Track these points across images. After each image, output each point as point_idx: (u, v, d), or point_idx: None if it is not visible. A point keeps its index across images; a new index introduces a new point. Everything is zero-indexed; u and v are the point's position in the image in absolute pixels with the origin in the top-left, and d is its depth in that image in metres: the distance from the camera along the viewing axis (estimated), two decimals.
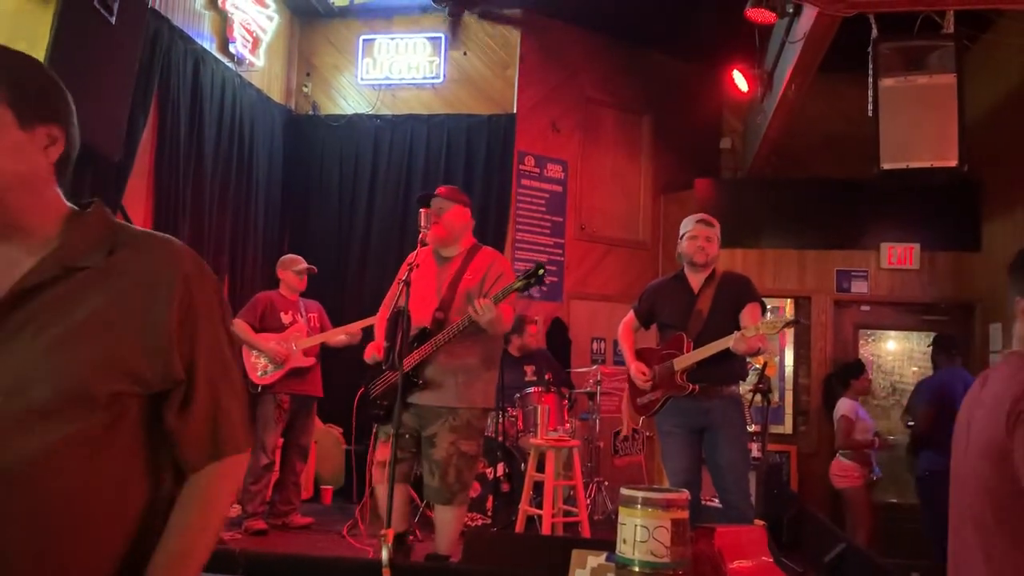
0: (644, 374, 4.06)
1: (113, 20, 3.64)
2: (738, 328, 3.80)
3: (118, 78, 3.88)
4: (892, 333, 7.28)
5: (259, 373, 5.28)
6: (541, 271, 3.55)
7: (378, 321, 4.05)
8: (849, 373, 5.96)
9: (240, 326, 5.32)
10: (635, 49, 7.91)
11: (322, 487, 6.53)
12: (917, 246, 6.97)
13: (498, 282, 3.67)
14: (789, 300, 7.17)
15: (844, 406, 5.77)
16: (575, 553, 2.78)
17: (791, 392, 7.08)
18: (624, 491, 2.24)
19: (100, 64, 3.71)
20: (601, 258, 7.74)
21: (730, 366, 3.92)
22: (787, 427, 7.04)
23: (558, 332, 7.26)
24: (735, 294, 4.02)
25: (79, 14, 3.46)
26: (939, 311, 6.95)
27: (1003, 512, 1.75)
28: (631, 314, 4.35)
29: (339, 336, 5.45)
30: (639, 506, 2.21)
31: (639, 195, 8.06)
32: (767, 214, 7.33)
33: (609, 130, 7.93)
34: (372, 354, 3.91)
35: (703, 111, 8.44)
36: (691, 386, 3.89)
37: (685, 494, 2.23)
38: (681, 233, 4.18)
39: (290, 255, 5.72)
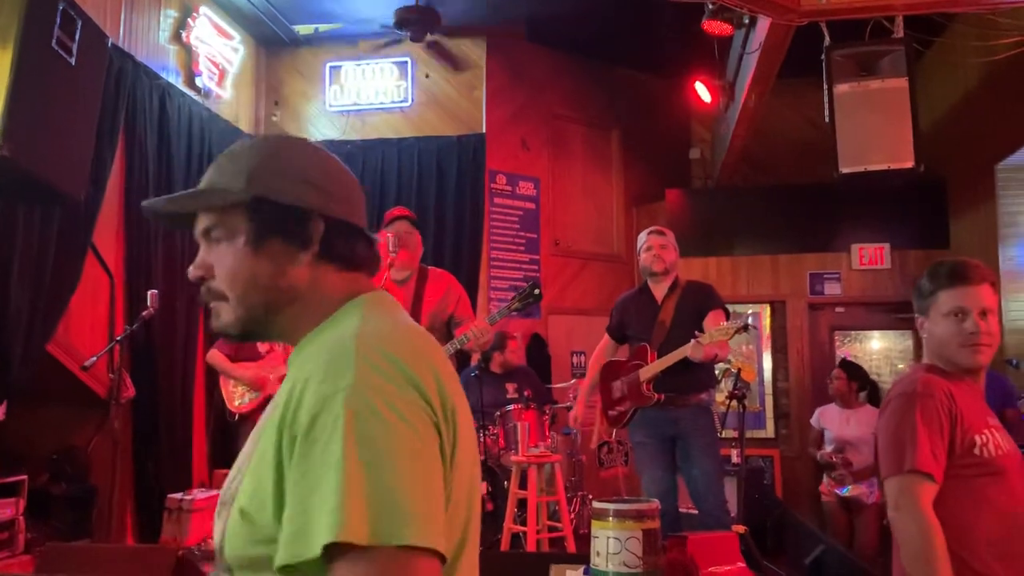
0: (576, 419, 4.45)
1: (73, 61, 3.65)
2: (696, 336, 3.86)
3: (81, 117, 3.89)
4: (867, 333, 7.36)
5: (236, 402, 5.28)
6: (537, 290, 3.59)
7: None
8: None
9: (215, 355, 5.32)
10: (599, 65, 8.00)
11: None
12: (887, 246, 7.07)
13: (459, 305, 3.70)
14: (765, 305, 7.26)
15: (815, 412, 5.67)
16: (553, 568, 2.80)
17: (771, 397, 7.14)
18: (596, 504, 2.27)
19: (62, 104, 3.72)
20: (577, 272, 7.79)
21: (696, 374, 3.97)
22: (769, 431, 7.09)
23: (537, 348, 7.28)
24: (697, 303, 4.08)
25: (38, 56, 3.47)
26: (912, 310, 7.04)
27: None
28: (605, 338, 4.44)
29: None
30: (611, 518, 2.24)
31: (611, 208, 8.13)
32: (738, 221, 7.41)
33: (578, 145, 8.00)
34: None
35: (671, 123, 8.54)
36: (656, 396, 3.93)
37: (656, 504, 2.27)
38: (637, 248, 4.27)
39: None
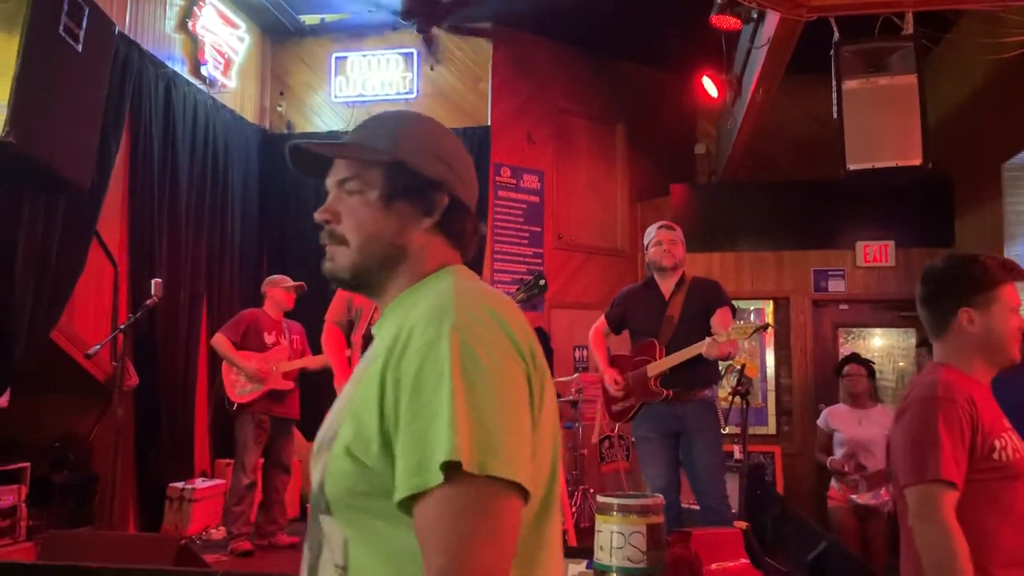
0: (617, 382, 4.10)
1: (79, 48, 3.64)
2: (708, 333, 3.84)
3: (87, 104, 3.88)
4: (871, 331, 7.35)
5: (237, 391, 5.26)
6: (542, 281, 3.57)
7: (330, 340, 4.00)
8: (836, 372, 5.51)
9: (221, 341, 5.30)
10: (605, 59, 7.97)
11: (308, 506, 6.50)
12: (892, 243, 7.04)
13: None
14: (768, 302, 7.24)
15: (822, 413, 5.35)
16: None
17: (773, 393, 7.13)
18: (600, 498, 2.27)
19: (68, 91, 3.71)
20: (580, 267, 7.78)
21: (703, 370, 3.96)
22: (771, 428, 7.09)
23: (540, 341, 7.25)
24: (705, 299, 4.07)
25: (45, 43, 3.46)
26: (916, 307, 6.99)
27: (903, 500, 1.96)
28: (602, 320, 4.38)
29: (320, 363, 5.40)
30: (615, 513, 2.24)
31: (616, 203, 8.11)
32: (743, 217, 7.39)
33: (583, 140, 7.98)
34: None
35: (676, 118, 8.52)
36: (665, 392, 3.93)
37: (660, 499, 2.26)
38: (646, 242, 4.24)
39: (277, 275, 5.72)
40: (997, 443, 1.91)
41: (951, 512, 1.83)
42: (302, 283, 5.63)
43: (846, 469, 4.84)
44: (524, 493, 0.96)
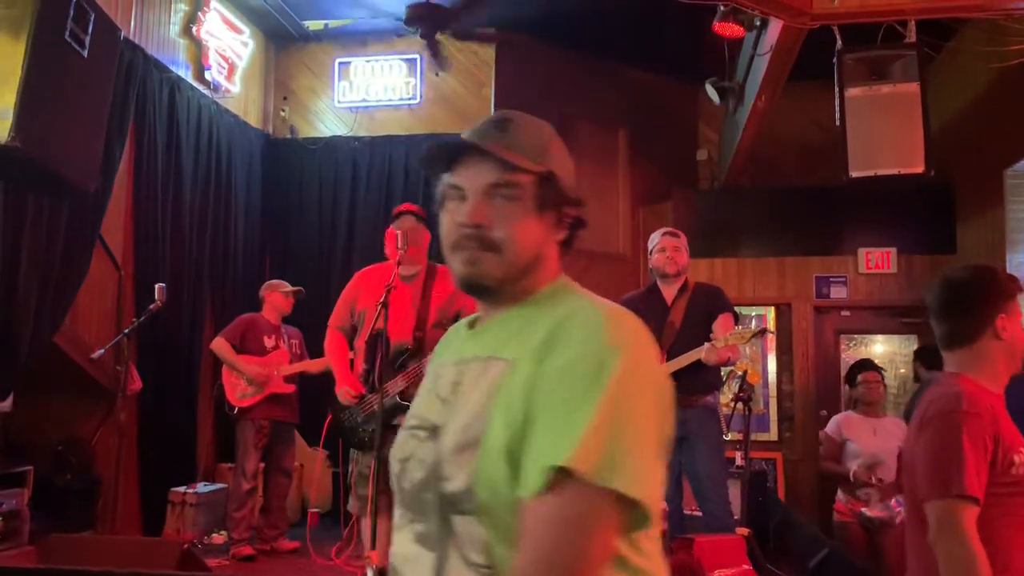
0: None
1: (85, 53, 3.66)
2: (710, 339, 3.85)
3: (92, 109, 3.90)
4: (872, 337, 7.35)
5: (238, 395, 5.27)
6: None
7: (332, 345, 3.98)
8: (848, 379, 5.33)
9: (221, 345, 5.31)
10: (608, 64, 7.98)
11: (309, 510, 6.50)
12: (894, 250, 7.05)
13: (468, 302, 3.68)
14: (770, 308, 7.25)
15: (832, 420, 5.15)
16: None
17: (775, 399, 7.13)
18: None
19: (73, 96, 3.72)
20: (582, 271, 7.74)
21: (705, 376, 3.96)
22: (772, 434, 7.09)
23: None
24: (707, 305, 4.08)
25: (51, 48, 3.47)
26: (918, 314, 6.99)
27: (918, 513, 1.95)
28: None
29: (321, 366, 5.41)
30: None
31: (617, 208, 8.12)
32: (745, 223, 7.40)
33: (586, 144, 7.98)
34: (346, 391, 3.80)
35: (678, 123, 8.53)
36: None
37: (663, 506, 2.26)
38: (649, 248, 4.25)
39: (275, 280, 5.74)
40: (1016, 458, 1.90)
41: (973, 527, 1.82)
42: (300, 288, 5.65)
43: (874, 481, 4.66)
44: (641, 511, 0.98)
